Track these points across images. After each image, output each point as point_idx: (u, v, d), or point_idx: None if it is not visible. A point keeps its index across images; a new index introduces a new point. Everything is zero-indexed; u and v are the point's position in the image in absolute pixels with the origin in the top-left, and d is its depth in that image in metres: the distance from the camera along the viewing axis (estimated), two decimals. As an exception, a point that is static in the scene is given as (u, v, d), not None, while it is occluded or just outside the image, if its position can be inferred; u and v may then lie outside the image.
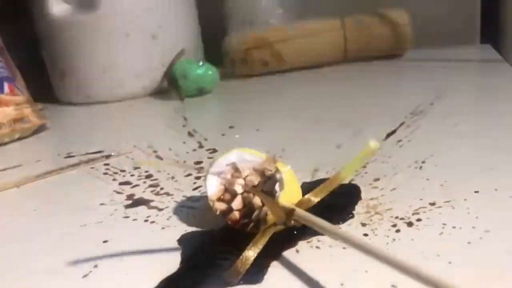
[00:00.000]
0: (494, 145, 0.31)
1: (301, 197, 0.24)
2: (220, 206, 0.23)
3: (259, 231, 0.22)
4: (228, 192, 0.23)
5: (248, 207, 0.23)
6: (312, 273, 0.20)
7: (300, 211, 0.21)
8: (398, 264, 0.17)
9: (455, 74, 0.55)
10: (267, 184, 0.23)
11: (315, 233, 0.22)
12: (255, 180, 0.23)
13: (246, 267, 0.20)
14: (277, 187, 0.22)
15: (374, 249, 0.18)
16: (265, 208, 0.22)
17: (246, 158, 0.24)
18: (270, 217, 0.22)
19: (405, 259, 0.16)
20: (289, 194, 0.23)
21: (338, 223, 0.23)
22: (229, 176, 0.24)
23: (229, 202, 0.23)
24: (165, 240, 0.24)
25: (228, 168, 0.24)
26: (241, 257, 0.20)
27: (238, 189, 0.23)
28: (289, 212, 0.22)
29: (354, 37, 0.67)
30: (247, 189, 0.23)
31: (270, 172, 0.23)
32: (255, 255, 0.20)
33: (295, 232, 0.23)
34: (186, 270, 0.21)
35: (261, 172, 0.24)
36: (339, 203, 0.25)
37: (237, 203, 0.23)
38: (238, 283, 0.19)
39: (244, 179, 0.24)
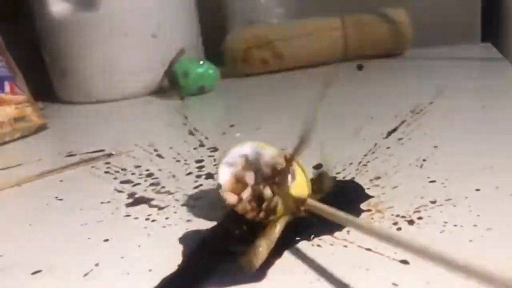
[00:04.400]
0: (494, 143, 0.31)
1: (310, 191, 0.24)
2: (230, 197, 0.23)
3: (268, 221, 0.22)
4: (239, 183, 0.24)
5: (258, 198, 0.23)
6: (313, 271, 0.20)
7: (312, 201, 0.22)
8: (415, 247, 0.17)
9: (455, 73, 0.55)
10: (278, 177, 0.23)
11: (316, 231, 0.22)
12: (266, 172, 0.24)
13: (260, 260, 0.19)
14: (289, 177, 0.22)
15: (387, 234, 0.18)
16: (275, 198, 0.22)
17: (259, 151, 0.24)
18: (280, 208, 0.22)
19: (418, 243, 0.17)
20: (300, 186, 0.23)
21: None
22: (240, 168, 0.24)
23: (239, 192, 0.23)
24: (166, 239, 0.24)
25: (240, 160, 0.24)
26: (253, 246, 0.19)
27: (249, 180, 0.23)
28: (301, 202, 0.22)
29: (354, 35, 0.67)
30: (258, 181, 0.23)
31: (281, 166, 0.23)
32: (269, 247, 0.20)
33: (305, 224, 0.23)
34: (186, 269, 0.21)
35: (272, 166, 0.24)
36: (345, 200, 0.25)
37: (247, 194, 0.23)
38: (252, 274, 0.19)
39: (255, 171, 0.24)
